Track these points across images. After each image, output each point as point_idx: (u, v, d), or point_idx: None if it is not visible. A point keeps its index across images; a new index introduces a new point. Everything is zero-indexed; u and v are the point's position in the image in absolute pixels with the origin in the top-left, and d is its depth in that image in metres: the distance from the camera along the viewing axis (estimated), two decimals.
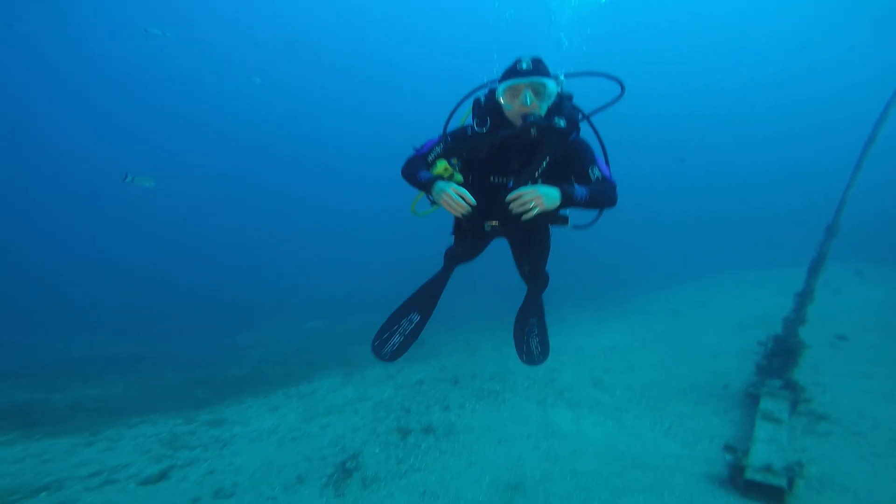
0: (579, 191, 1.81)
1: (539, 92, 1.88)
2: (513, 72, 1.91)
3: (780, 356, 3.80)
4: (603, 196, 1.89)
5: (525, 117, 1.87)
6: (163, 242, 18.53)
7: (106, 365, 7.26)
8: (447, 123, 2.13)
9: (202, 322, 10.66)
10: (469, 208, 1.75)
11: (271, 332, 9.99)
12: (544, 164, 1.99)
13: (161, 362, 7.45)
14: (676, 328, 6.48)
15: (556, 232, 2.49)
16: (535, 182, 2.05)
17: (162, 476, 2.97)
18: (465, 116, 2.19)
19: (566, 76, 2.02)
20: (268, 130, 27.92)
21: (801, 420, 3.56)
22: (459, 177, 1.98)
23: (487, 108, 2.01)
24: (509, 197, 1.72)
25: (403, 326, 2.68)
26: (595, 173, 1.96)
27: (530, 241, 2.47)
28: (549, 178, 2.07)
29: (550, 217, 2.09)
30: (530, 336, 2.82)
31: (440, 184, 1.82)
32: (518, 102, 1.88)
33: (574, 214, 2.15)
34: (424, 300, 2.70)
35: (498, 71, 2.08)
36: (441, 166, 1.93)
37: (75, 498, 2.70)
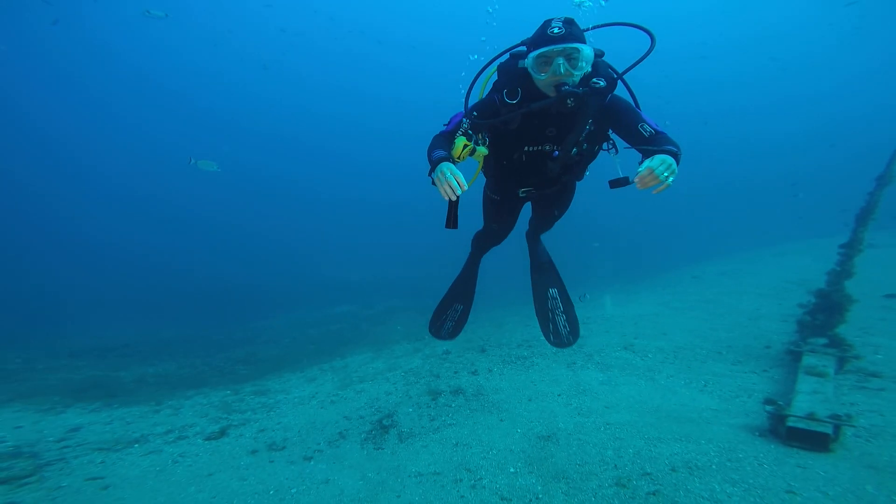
0: (675, 150, 1.63)
1: (573, 58, 1.73)
2: (543, 38, 1.74)
3: (825, 312, 3.62)
4: (679, 148, 1.72)
5: (559, 87, 1.73)
6: (196, 239, 19.58)
7: (159, 347, 7.88)
8: (468, 97, 2.01)
9: (238, 310, 11.33)
10: (457, 195, 1.60)
11: (301, 317, 10.47)
12: (588, 128, 1.91)
13: (205, 344, 8.01)
14: (711, 296, 6.26)
15: (584, 210, 2.46)
16: (580, 147, 1.97)
17: (222, 433, 3.28)
18: (483, 87, 2.09)
19: (591, 29, 1.90)
20: (289, 123, 28.56)
21: (850, 377, 3.40)
22: (483, 150, 1.86)
23: (515, 77, 1.89)
24: (642, 174, 1.50)
25: (450, 315, 2.92)
26: (647, 129, 1.80)
27: (559, 199, 2.46)
28: (591, 141, 2.01)
29: (619, 182, 1.89)
30: (555, 312, 2.77)
31: (442, 165, 1.66)
32: (551, 71, 1.74)
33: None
34: (462, 291, 2.88)
35: (499, 44, 1.99)
36: (460, 143, 1.79)
37: (159, 449, 3.10)
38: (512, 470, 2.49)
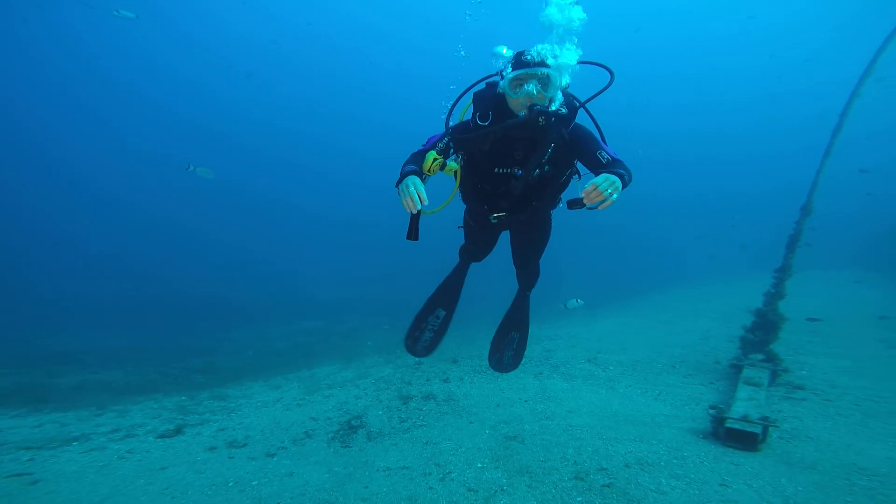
0: (623, 173, 1.79)
1: (545, 83, 1.90)
2: (519, 62, 1.92)
3: (762, 329, 4.04)
4: (629, 173, 1.91)
5: (531, 107, 1.87)
6: (158, 244, 18.54)
7: (105, 355, 7.27)
8: (448, 118, 2.14)
9: (199, 320, 10.69)
10: (418, 208, 1.71)
11: (267, 331, 10.03)
12: (549, 151, 2.05)
13: (159, 354, 7.48)
14: (667, 318, 6.72)
15: (554, 235, 2.69)
16: (542, 170, 2.11)
17: (177, 431, 3.10)
18: (463, 111, 2.23)
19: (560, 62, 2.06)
20: (266, 138, 28.36)
21: (780, 389, 3.78)
22: (454, 164, 1.99)
23: (488, 102, 2.04)
24: (587, 189, 1.65)
25: (431, 323, 2.88)
26: (605, 156, 1.98)
27: (534, 229, 2.58)
28: (553, 166, 2.15)
29: (574, 203, 2.03)
30: (507, 349, 2.97)
31: (408, 179, 1.77)
32: (524, 93, 1.89)
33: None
34: (447, 296, 2.89)
35: (483, 67, 2.17)
36: (430, 157, 1.90)
37: (103, 446, 2.86)
38: (479, 465, 2.56)
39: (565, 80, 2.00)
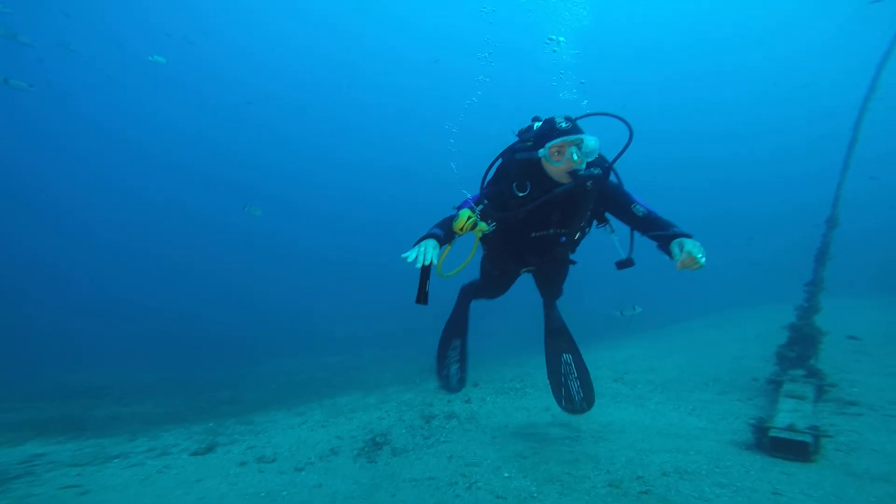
0: (688, 232, 1.85)
1: (581, 148, 1.97)
2: (554, 131, 1.98)
3: (799, 344, 3.87)
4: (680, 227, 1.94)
5: (573, 173, 1.94)
6: (182, 285, 19.39)
7: (135, 389, 7.48)
8: (483, 182, 2.23)
9: (222, 357, 10.90)
10: (426, 264, 1.72)
11: (288, 365, 10.10)
12: (588, 213, 2.14)
13: (186, 388, 7.62)
14: (695, 341, 6.46)
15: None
16: (582, 231, 2.22)
17: (209, 449, 3.18)
18: (484, 177, 2.28)
19: (581, 117, 2.11)
20: (278, 180, 29.83)
21: (829, 405, 3.53)
22: (484, 225, 2.03)
23: (524, 171, 2.05)
24: (682, 259, 1.68)
25: (451, 356, 3.01)
26: (640, 210, 2.02)
27: (558, 273, 2.69)
28: (588, 224, 2.25)
29: (624, 264, 2.12)
30: (569, 378, 2.81)
31: (427, 241, 1.81)
32: (565, 159, 1.94)
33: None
34: (456, 328, 3.01)
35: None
36: (465, 215, 1.95)
37: (142, 462, 2.98)
38: (506, 475, 2.49)
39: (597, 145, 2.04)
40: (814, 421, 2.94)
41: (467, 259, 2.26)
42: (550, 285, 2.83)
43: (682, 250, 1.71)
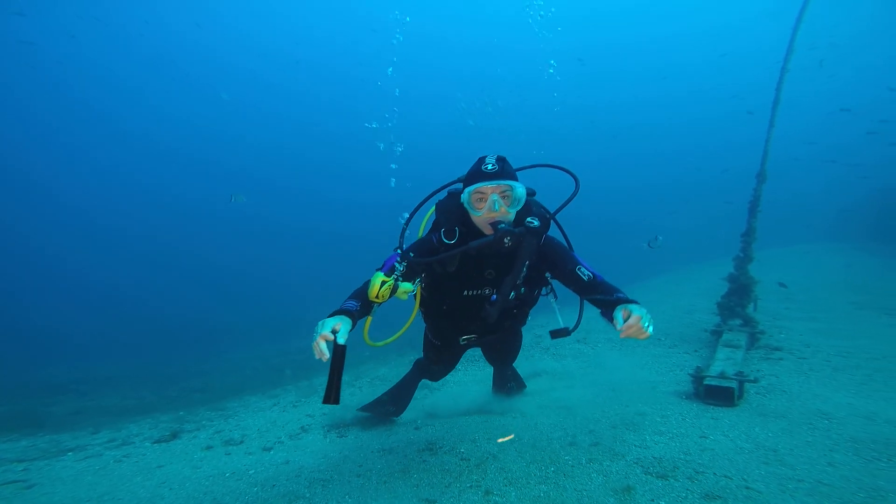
0: (634, 300, 1.67)
1: (507, 196, 1.73)
2: (478, 174, 1.74)
3: (736, 294, 4.20)
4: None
5: (495, 225, 1.71)
6: (147, 271, 18.44)
7: (100, 383, 7.21)
8: (402, 235, 1.89)
9: (194, 344, 10.63)
10: (325, 356, 1.41)
11: (263, 350, 10.01)
12: (524, 271, 1.86)
13: (156, 378, 7.43)
14: (654, 299, 6.88)
15: None
16: (517, 291, 1.90)
17: (173, 436, 3.14)
18: (423, 222, 2.04)
19: (521, 169, 1.90)
20: (254, 157, 28.49)
21: (760, 351, 3.93)
22: (409, 286, 1.79)
23: (453, 216, 1.84)
24: (629, 324, 1.46)
25: (380, 411, 3.04)
26: (585, 273, 1.82)
27: (505, 344, 2.48)
28: (528, 286, 1.95)
29: (559, 333, 2.02)
30: (510, 390, 3.18)
31: (325, 320, 1.51)
32: (486, 208, 1.72)
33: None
34: (396, 397, 3.01)
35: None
36: (377, 281, 1.68)
37: (99, 453, 2.90)
38: (471, 439, 2.64)
39: (524, 191, 1.78)
40: (742, 368, 3.27)
41: (406, 324, 2.04)
42: (497, 359, 2.70)
43: (628, 316, 1.51)
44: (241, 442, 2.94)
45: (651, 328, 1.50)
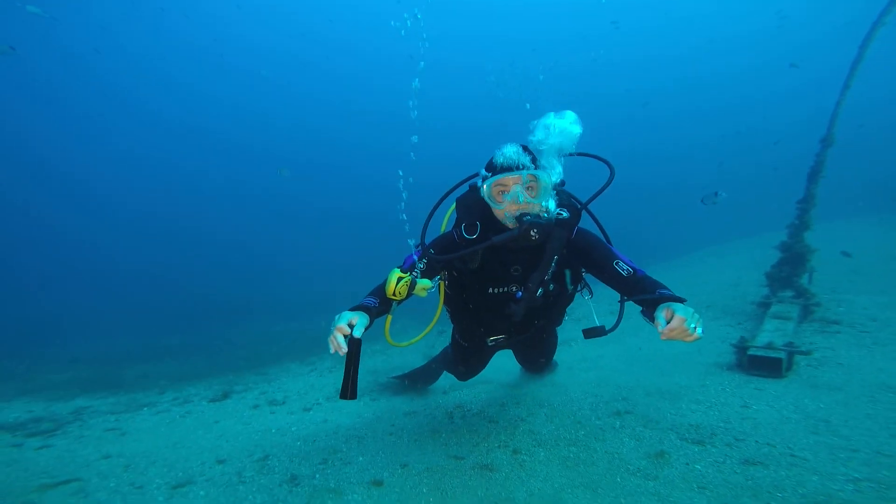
0: (680, 297, 1.47)
1: (532, 186, 1.59)
2: (497, 165, 1.61)
3: (789, 263, 3.87)
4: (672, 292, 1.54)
5: (520, 218, 1.56)
6: (198, 256, 19.84)
7: (160, 352, 7.99)
8: (424, 232, 1.79)
9: (238, 320, 11.48)
10: (341, 350, 1.40)
11: (302, 324, 10.60)
12: (553, 266, 1.71)
13: (207, 349, 8.13)
14: (697, 271, 6.52)
15: None
16: (546, 288, 1.74)
17: (225, 396, 3.47)
18: (446, 218, 1.93)
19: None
20: (289, 139, 29.05)
21: (814, 325, 3.62)
22: (427, 282, 1.68)
23: (475, 210, 1.72)
24: (672, 325, 1.26)
25: (410, 382, 3.06)
26: (624, 268, 1.62)
27: (538, 344, 2.28)
28: (557, 282, 1.79)
29: (594, 332, 1.85)
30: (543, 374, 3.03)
31: (339, 315, 1.48)
32: (509, 200, 1.58)
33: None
34: (427, 377, 2.99)
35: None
36: (393, 277, 1.59)
37: (168, 409, 3.31)
38: (500, 403, 2.68)
39: (556, 177, 1.63)
40: (793, 339, 3.04)
41: (431, 324, 1.96)
42: (529, 360, 2.53)
43: (670, 317, 1.30)
44: (284, 403, 3.17)
45: (700, 329, 1.28)
